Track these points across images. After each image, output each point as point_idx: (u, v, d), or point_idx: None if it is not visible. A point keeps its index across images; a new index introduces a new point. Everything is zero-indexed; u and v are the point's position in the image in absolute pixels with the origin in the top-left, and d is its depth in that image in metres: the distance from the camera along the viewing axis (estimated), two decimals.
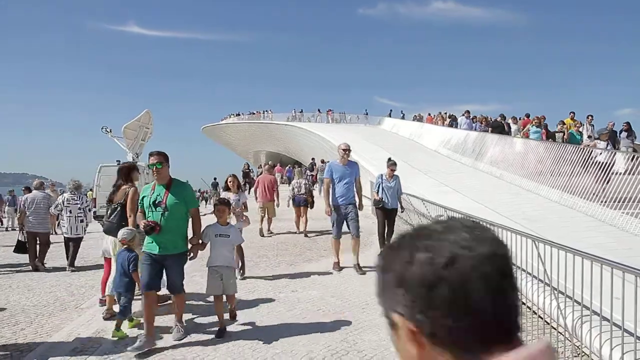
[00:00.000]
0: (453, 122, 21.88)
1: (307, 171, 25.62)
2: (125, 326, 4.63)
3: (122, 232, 4.73)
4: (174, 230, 4.26)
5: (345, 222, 6.89)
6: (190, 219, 4.39)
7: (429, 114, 27.73)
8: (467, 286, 0.60)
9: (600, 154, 9.58)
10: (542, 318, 4.21)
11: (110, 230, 5.23)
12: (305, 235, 10.43)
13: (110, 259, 5.29)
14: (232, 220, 6.14)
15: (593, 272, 3.22)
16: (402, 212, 8.50)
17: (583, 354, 3.61)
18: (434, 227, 0.67)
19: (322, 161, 24.03)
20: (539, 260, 3.89)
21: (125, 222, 5.11)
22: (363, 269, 6.73)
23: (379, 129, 33.33)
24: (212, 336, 4.43)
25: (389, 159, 8.40)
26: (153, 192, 4.31)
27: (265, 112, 49.49)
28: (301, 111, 46.33)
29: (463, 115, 19.72)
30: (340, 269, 6.90)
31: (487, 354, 0.60)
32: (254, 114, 51.28)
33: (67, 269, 7.85)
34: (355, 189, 6.95)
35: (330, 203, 6.93)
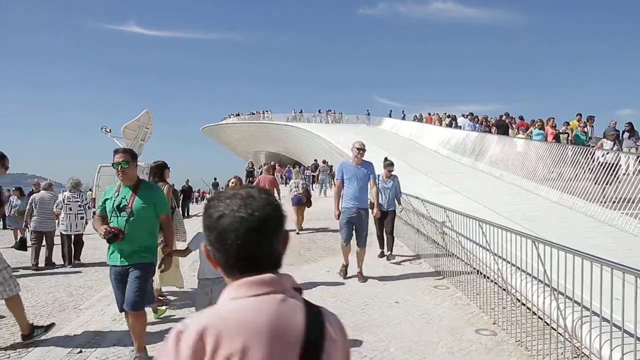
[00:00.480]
0: (453, 122, 21.87)
1: (306, 171, 25.60)
2: (151, 317, 4.80)
3: None
4: (140, 239, 3.70)
5: (354, 228, 6.36)
6: (160, 226, 3.83)
7: (429, 114, 27.79)
8: (224, 234, 1.00)
9: (607, 153, 9.44)
10: (541, 319, 4.21)
11: None
12: (301, 229, 11.04)
13: None
14: None
15: (593, 272, 3.21)
16: (401, 211, 8.31)
17: (583, 354, 3.60)
18: (225, 194, 1.05)
19: (324, 162, 24.00)
20: (538, 261, 3.88)
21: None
22: (365, 276, 6.43)
23: (378, 129, 33.37)
24: None
25: (385, 159, 8.13)
26: (117, 195, 3.78)
27: (265, 113, 49.56)
28: (301, 111, 46.40)
29: (466, 117, 19.63)
30: (346, 274, 6.53)
31: (239, 275, 1.01)
32: (254, 114, 51.36)
33: (67, 266, 8.02)
34: (368, 192, 6.50)
35: (341, 206, 6.42)
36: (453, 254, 6.39)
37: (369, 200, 6.78)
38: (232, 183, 6.11)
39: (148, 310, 4.16)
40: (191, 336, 0.93)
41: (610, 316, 3.07)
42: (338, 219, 6.45)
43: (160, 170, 5.82)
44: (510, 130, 16.76)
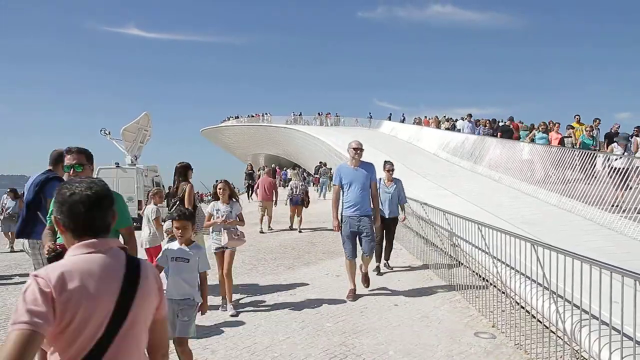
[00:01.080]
0: (454, 125, 21.88)
1: (304, 173, 25.58)
2: None
3: (167, 224, 5.49)
4: None
5: (357, 238, 5.67)
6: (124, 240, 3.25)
7: (425, 117, 27.89)
8: (74, 206, 1.45)
9: (619, 158, 9.17)
10: (540, 322, 4.21)
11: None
12: (300, 231, 11.31)
13: (149, 249, 6.35)
14: (217, 239, 5.41)
15: (592, 275, 3.21)
16: (403, 220, 7.54)
17: (582, 358, 3.60)
18: (75, 180, 1.56)
19: (323, 164, 23.98)
20: (537, 264, 3.88)
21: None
22: (369, 280, 6.02)
23: (377, 132, 33.39)
24: (210, 338, 4.42)
25: (386, 162, 7.35)
26: None
27: (265, 115, 49.59)
28: (300, 114, 46.44)
29: (465, 119, 19.59)
30: (356, 297, 5.64)
31: (80, 237, 1.45)
32: (253, 116, 51.38)
33: None
34: (370, 197, 5.70)
35: (340, 214, 5.72)
36: (452, 257, 6.40)
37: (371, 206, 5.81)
38: (220, 189, 5.44)
39: None
40: (45, 278, 1.33)
41: (609, 319, 3.07)
42: (337, 229, 5.69)
43: (184, 170, 6.15)
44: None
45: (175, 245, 3.69)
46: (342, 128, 39.67)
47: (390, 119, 36.28)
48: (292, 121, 45.47)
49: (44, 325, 1.28)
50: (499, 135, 15.38)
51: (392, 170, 7.26)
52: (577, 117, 14.14)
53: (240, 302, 5.67)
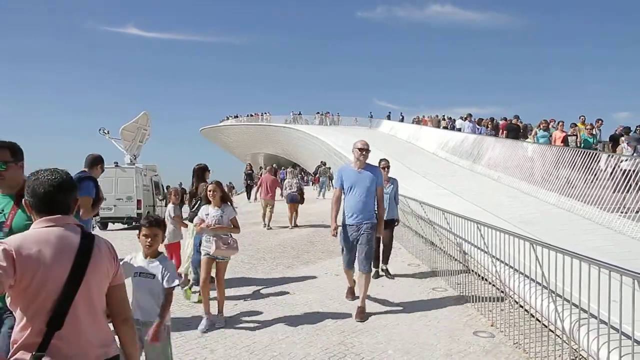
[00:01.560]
0: (453, 125, 21.89)
1: (301, 172, 25.62)
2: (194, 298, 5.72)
3: (196, 219, 5.62)
4: None
5: (356, 248, 5.10)
6: None
7: (423, 116, 27.95)
8: (37, 188, 1.74)
9: (629, 159, 9.05)
10: (539, 321, 4.22)
11: (194, 219, 6.36)
12: (295, 226, 11.88)
13: (172, 244, 6.69)
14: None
15: (591, 275, 3.22)
16: (397, 224, 7.20)
17: (581, 357, 3.61)
18: (42, 170, 1.81)
19: (323, 164, 23.99)
20: (536, 263, 3.89)
21: None
22: (367, 313, 5.02)
23: (377, 131, 33.41)
24: (209, 337, 4.42)
25: (381, 159, 6.79)
26: None
27: (264, 115, 49.58)
28: (299, 113, 46.43)
29: (466, 119, 19.47)
30: (355, 296, 5.44)
31: (42, 214, 1.74)
32: (252, 116, 51.36)
33: None
34: (375, 204, 5.17)
35: (340, 221, 5.18)
36: (451, 256, 6.40)
37: (375, 213, 5.18)
38: (210, 190, 4.93)
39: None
40: (8, 243, 1.62)
41: (608, 318, 3.08)
42: (334, 234, 5.25)
43: (202, 172, 6.47)
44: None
45: (139, 257, 3.16)
46: (342, 127, 39.68)
47: (389, 119, 36.30)
48: (291, 120, 45.46)
49: (4, 275, 1.56)
50: (505, 135, 14.85)
51: (388, 167, 6.78)
52: (582, 117, 13.82)
53: (239, 302, 5.67)
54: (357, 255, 5.07)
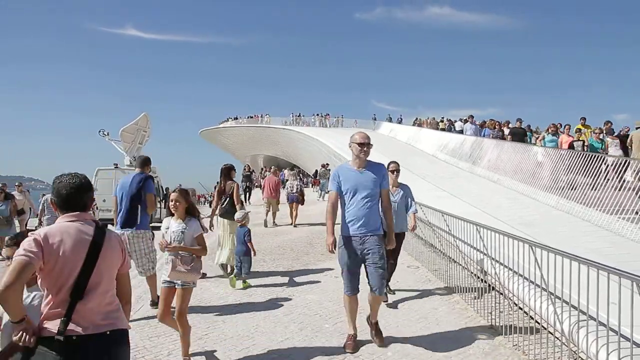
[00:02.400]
0: (451, 127, 21.91)
1: (300, 174, 25.78)
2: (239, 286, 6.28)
3: (237, 215, 6.52)
4: None
5: (363, 266, 4.15)
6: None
7: (418, 118, 28.17)
8: (61, 189, 2.20)
9: None
10: (539, 323, 4.22)
11: (224, 214, 7.05)
12: (295, 226, 12.36)
13: None
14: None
15: (590, 277, 3.22)
16: (413, 229, 6.02)
17: (580, 359, 3.61)
18: (65, 174, 2.27)
19: (323, 165, 23.97)
20: (535, 265, 3.90)
21: (233, 208, 6.96)
22: (382, 334, 4.35)
23: (377, 133, 33.37)
24: (208, 339, 4.42)
25: (391, 162, 5.82)
26: None
27: (263, 116, 49.57)
28: (299, 115, 46.43)
29: (466, 121, 19.36)
30: (357, 345, 4.18)
31: (65, 211, 2.20)
32: (252, 117, 51.36)
33: None
34: (381, 210, 4.24)
35: (340, 234, 4.17)
36: (451, 258, 6.40)
37: (381, 221, 4.29)
38: (172, 200, 4.09)
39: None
40: (37, 234, 2.04)
41: (607, 320, 3.09)
42: (332, 250, 4.12)
43: (228, 172, 7.16)
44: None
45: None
46: (341, 129, 39.66)
47: (390, 120, 36.31)
48: (291, 122, 45.45)
49: (35, 259, 1.98)
50: (509, 138, 14.25)
51: (398, 171, 5.81)
52: (582, 119, 13.33)
53: (239, 303, 5.67)
54: (368, 276, 4.12)
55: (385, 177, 4.28)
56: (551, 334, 3.98)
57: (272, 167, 17.04)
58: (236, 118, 54.26)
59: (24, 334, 1.93)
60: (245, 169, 23.20)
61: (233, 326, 4.82)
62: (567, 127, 12.87)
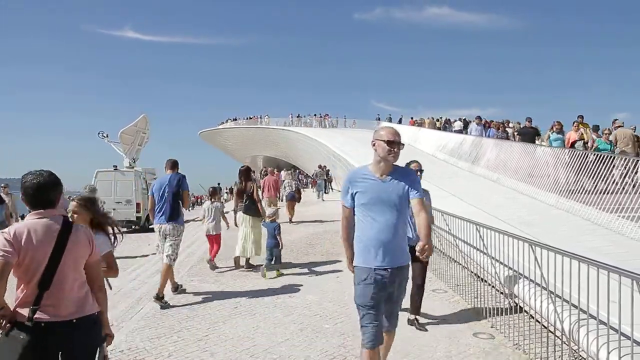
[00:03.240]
0: (447, 126, 21.93)
1: (298, 175, 25.97)
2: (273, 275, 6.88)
3: (269, 211, 7.57)
4: None
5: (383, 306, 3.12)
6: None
7: (412, 118, 28.36)
8: (27, 189, 2.31)
9: None
10: (539, 322, 4.22)
11: (247, 211, 7.59)
12: (291, 221, 12.97)
13: (212, 235, 7.78)
14: None
15: (590, 275, 3.22)
16: (425, 256, 3.06)
17: (580, 357, 3.61)
18: (32, 172, 2.37)
19: (320, 166, 23.98)
20: (535, 264, 3.90)
21: (254, 205, 7.54)
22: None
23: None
24: (208, 340, 4.41)
25: (412, 162, 4.71)
26: None
27: (262, 117, 49.55)
28: (298, 116, 46.40)
29: (473, 121, 18.64)
30: None
31: (33, 209, 2.31)
32: (251, 118, 51.33)
33: None
34: (417, 228, 3.10)
35: (358, 261, 3.12)
36: (451, 258, 6.40)
37: (412, 237, 3.82)
38: (70, 211, 3.19)
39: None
40: (8, 232, 2.21)
41: (607, 319, 3.09)
42: (349, 268, 3.30)
43: (248, 172, 7.80)
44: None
45: None
46: (340, 130, 39.69)
47: (390, 121, 36.31)
48: (290, 123, 45.44)
49: (10, 257, 2.18)
50: (518, 138, 13.54)
51: (421, 171, 4.74)
52: (579, 117, 12.67)
53: (239, 304, 5.66)
54: (385, 311, 3.14)
55: (416, 183, 3.10)
56: (552, 332, 3.98)
57: (270, 168, 17.85)
58: (235, 119, 54.25)
59: (1, 320, 2.19)
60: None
61: (233, 327, 4.81)
62: (575, 124, 12.00)
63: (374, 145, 3.11)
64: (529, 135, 13.24)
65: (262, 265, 7.22)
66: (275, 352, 4.15)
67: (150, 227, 16.94)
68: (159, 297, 5.58)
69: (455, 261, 6.31)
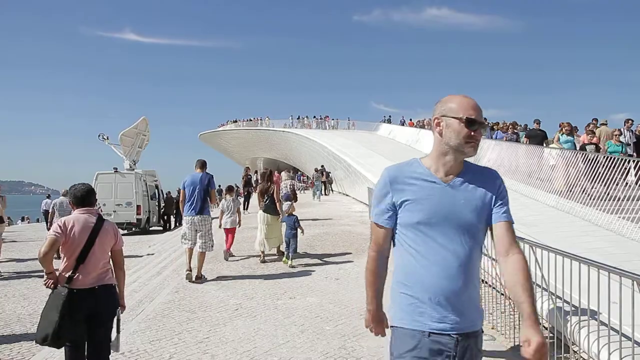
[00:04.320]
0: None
1: (296, 175, 26.32)
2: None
3: (285, 206, 8.47)
4: None
5: None
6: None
7: (410, 119, 28.48)
8: (77, 193, 3.43)
9: None
10: (540, 323, 4.21)
11: (267, 209, 8.35)
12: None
13: (229, 229, 8.73)
14: None
15: (590, 276, 3.23)
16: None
17: (581, 358, 3.61)
18: (78, 184, 3.55)
19: (316, 170, 24.12)
20: (536, 265, 3.90)
21: (273, 205, 8.37)
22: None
23: (376, 135, 33.43)
24: (209, 342, 4.41)
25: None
26: None
27: (263, 119, 49.61)
28: (298, 117, 46.46)
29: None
30: None
31: (77, 207, 3.43)
32: (251, 120, 51.39)
33: None
34: (508, 285, 1.82)
35: (401, 320, 1.76)
36: None
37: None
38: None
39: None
40: (59, 222, 3.30)
41: (608, 320, 3.09)
42: (377, 333, 1.97)
43: (270, 174, 8.97)
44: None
45: None
46: (340, 131, 39.72)
47: (390, 122, 36.37)
48: (290, 125, 45.48)
49: (60, 236, 3.19)
50: (526, 141, 12.66)
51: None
52: (594, 120, 12.16)
53: (240, 307, 5.66)
54: None
55: (502, 194, 1.82)
56: (552, 334, 3.98)
57: (270, 169, 18.99)
58: (235, 121, 54.30)
59: (50, 281, 3.21)
60: (245, 172, 18.87)
61: (234, 329, 4.81)
62: (589, 125, 11.09)
63: (438, 125, 1.82)
64: (538, 138, 12.40)
65: (276, 256, 8.50)
66: (276, 354, 4.14)
67: (150, 228, 17.11)
68: (199, 277, 6.88)
69: None
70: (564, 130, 11.32)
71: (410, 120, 28.90)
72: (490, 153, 14.84)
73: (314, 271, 7.47)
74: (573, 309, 3.49)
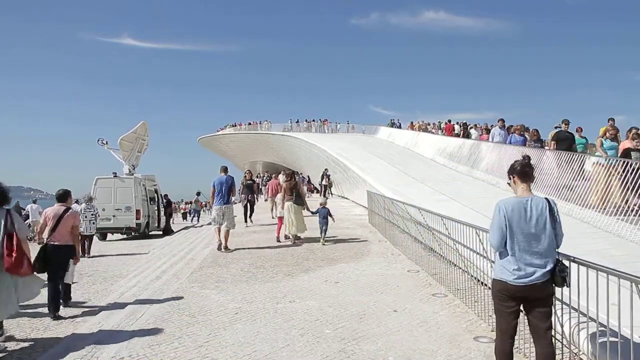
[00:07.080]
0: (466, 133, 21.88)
1: (302, 178, 26.56)
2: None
3: (320, 200, 10.99)
4: None
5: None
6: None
7: (412, 122, 28.63)
8: (58, 194, 6.57)
9: None
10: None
11: (297, 201, 10.48)
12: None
13: (280, 217, 10.95)
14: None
15: (589, 278, 3.23)
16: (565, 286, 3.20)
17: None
18: (60, 189, 6.50)
19: (309, 175, 24.07)
20: None
21: (298, 198, 10.57)
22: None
23: (375, 138, 33.44)
24: (209, 346, 4.41)
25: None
26: None
27: (262, 123, 49.64)
28: (297, 121, 46.51)
29: (496, 125, 15.72)
30: None
31: (57, 202, 6.54)
32: (250, 124, 51.44)
33: (85, 256, 10.32)
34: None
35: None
36: (451, 262, 6.41)
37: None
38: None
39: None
40: (44, 211, 6.54)
41: (607, 322, 3.09)
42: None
43: (293, 173, 11.19)
44: (474, 133, 14.78)
45: None
46: (339, 134, 39.76)
47: (392, 125, 36.35)
48: (289, 128, 45.51)
49: (44, 223, 6.12)
50: (555, 146, 11.11)
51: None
52: (610, 120, 11.08)
53: (240, 310, 5.66)
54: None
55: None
56: (552, 336, 3.98)
57: (273, 174, 20.32)
58: (234, 125, 54.34)
59: (41, 241, 5.93)
60: (245, 176, 16.66)
61: (234, 333, 4.81)
62: (632, 130, 9.47)
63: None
64: (568, 141, 10.79)
65: (301, 238, 10.71)
66: (276, 357, 4.14)
67: (149, 233, 17.11)
68: (226, 247, 9.73)
69: (455, 265, 6.31)
70: (608, 134, 9.90)
71: (412, 123, 28.86)
72: (488, 157, 14.83)
73: (313, 275, 7.47)
74: (572, 310, 3.49)
